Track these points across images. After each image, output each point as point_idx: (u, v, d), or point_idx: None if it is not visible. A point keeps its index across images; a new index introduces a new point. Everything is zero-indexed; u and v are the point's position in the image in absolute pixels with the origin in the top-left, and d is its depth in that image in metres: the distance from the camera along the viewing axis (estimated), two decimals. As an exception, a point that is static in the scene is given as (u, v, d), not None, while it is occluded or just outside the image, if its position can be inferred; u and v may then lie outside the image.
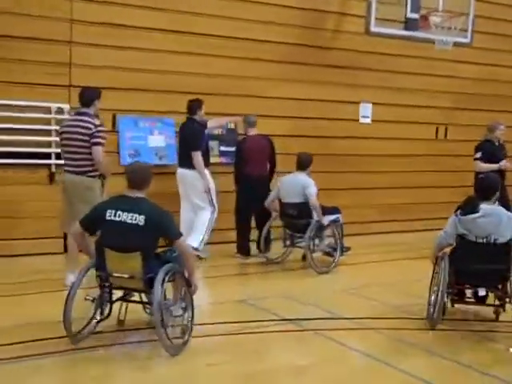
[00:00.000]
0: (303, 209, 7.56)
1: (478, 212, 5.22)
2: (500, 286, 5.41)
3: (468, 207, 5.32)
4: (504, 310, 5.48)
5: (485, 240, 5.21)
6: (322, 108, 9.86)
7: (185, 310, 4.80)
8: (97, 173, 6.36)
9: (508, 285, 5.35)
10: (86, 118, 6.31)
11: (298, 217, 7.62)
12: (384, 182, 10.40)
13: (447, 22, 9.62)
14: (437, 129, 11.08)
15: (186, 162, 7.87)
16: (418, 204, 10.74)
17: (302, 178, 7.68)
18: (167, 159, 8.63)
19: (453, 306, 5.66)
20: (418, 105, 10.76)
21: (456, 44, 9.68)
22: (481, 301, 5.59)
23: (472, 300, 5.66)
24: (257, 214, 8.23)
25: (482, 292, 5.44)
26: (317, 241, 7.62)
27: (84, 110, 6.43)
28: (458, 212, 5.34)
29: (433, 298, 5.46)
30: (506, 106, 11.77)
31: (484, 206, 5.27)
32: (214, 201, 7.98)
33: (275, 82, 9.39)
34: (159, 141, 8.62)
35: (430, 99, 10.88)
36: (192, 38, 8.73)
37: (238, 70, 9.10)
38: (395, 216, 10.36)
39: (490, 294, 5.54)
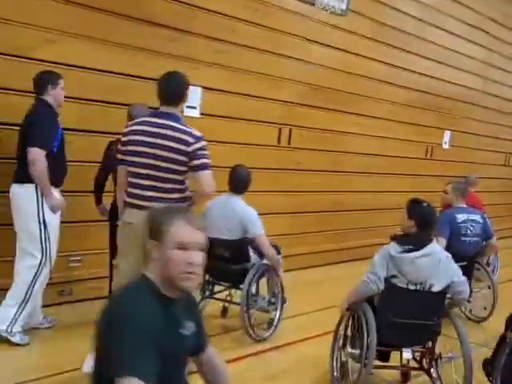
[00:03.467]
0: (239, 249, 5.36)
1: (418, 250, 4.08)
2: (425, 345, 4.36)
3: (406, 241, 4.14)
4: (431, 377, 4.33)
5: (418, 287, 4.09)
6: (129, 88, 6.10)
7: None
8: None
9: (436, 343, 4.33)
10: (177, 126, 4.00)
11: (230, 260, 5.34)
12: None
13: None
14: (280, 131, 7.95)
15: (19, 171, 4.70)
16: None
17: (241, 206, 5.37)
18: None
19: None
20: (260, 96, 7.54)
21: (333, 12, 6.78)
22: (385, 361, 4.43)
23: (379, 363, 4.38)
24: None
25: (407, 354, 4.32)
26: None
27: (170, 110, 4.08)
28: (392, 247, 4.12)
29: (335, 363, 4.34)
30: (364, 107, 9.18)
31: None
32: (48, 245, 4.73)
33: (57, 36, 5.46)
34: None
35: (274, 89, 7.73)
36: None
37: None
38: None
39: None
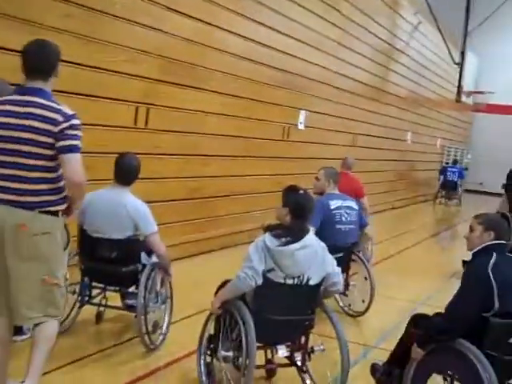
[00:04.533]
0: (130, 249, 4.68)
1: (295, 242, 3.77)
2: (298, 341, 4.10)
3: (282, 234, 3.78)
4: (303, 372, 4.12)
5: (296, 281, 3.78)
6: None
7: None
8: (61, 206, 3.45)
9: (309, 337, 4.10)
10: (45, 103, 3.35)
11: (119, 261, 4.64)
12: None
13: None
14: (136, 110, 7.02)
15: None
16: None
17: (132, 200, 4.67)
18: None
19: None
20: (115, 70, 6.56)
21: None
22: None
23: None
24: None
25: (282, 352, 4.06)
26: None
27: (37, 84, 3.40)
28: (268, 239, 3.75)
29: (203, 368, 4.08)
30: (222, 84, 8.49)
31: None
32: None
33: None
34: None
35: (131, 63, 6.79)
36: None
37: None
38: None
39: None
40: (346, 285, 5.97)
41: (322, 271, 3.88)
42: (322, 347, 4.07)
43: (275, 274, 3.75)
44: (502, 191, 9.25)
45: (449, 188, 18.95)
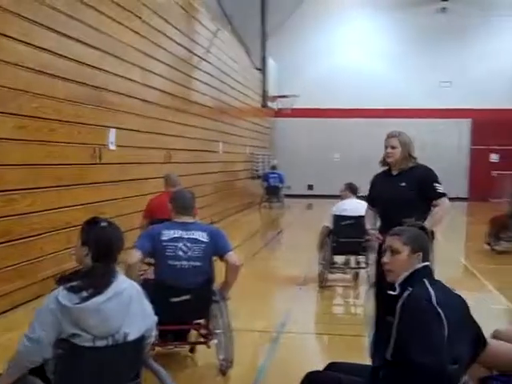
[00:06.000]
0: None
1: (101, 292, 2.93)
2: None
3: (82, 285, 2.93)
4: None
5: (110, 341, 2.95)
6: None
7: None
8: None
9: None
10: None
11: None
12: None
13: None
14: None
15: None
16: None
17: None
18: None
19: None
20: None
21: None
22: None
23: None
24: None
25: None
26: None
27: None
28: (63, 295, 2.88)
29: None
30: (18, 105, 7.19)
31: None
32: None
33: None
34: None
35: None
36: None
37: None
38: None
39: None
40: (208, 334, 4.98)
41: (144, 321, 3.13)
42: None
43: (80, 339, 2.94)
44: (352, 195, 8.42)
45: (272, 193, 19.74)
